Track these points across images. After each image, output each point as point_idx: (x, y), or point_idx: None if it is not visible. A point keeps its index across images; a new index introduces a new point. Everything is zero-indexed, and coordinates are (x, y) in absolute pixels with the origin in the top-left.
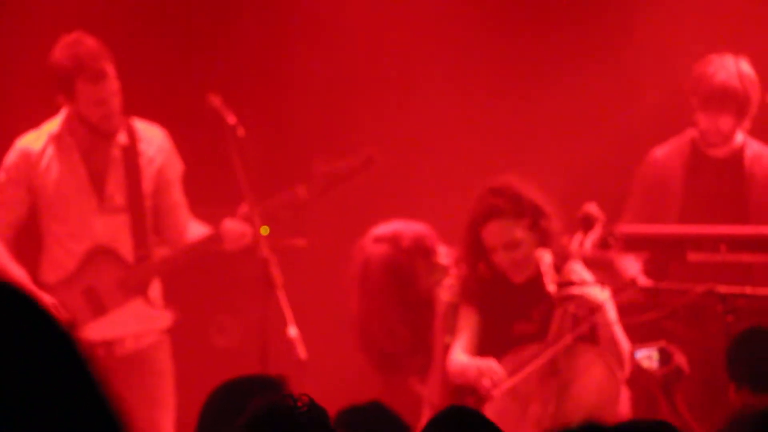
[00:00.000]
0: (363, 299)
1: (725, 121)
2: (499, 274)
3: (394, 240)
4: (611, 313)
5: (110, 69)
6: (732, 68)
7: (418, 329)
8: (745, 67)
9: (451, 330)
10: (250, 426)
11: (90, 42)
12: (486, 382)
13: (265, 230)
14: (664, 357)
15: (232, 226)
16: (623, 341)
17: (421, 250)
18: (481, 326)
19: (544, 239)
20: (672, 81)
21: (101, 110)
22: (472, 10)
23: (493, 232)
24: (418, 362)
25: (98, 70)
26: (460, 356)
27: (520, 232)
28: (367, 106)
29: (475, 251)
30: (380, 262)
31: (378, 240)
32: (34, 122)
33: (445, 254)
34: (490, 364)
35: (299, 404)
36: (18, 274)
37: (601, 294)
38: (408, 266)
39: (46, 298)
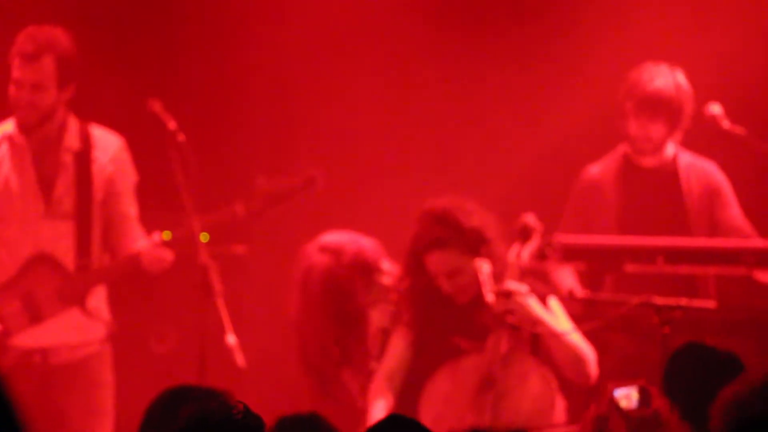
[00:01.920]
0: (301, 306)
1: (656, 129)
2: (441, 296)
3: (336, 253)
4: (562, 320)
5: (47, 61)
6: (668, 77)
7: (347, 346)
8: (681, 77)
9: (379, 356)
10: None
11: (49, 29)
12: None
13: (204, 237)
14: (644, 397)
15: (149, 250)
16: (579, 347)
17: (363, 267)
18: (410, 353)
19: (493, 259)
20: (609, 93)
21: (19, 95)
22: (410, 26)
23: (436, 262)
24: (344, 377)
25: (28, 52)
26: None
27: (462, 261)
28: (309, 118)
29: (417, 275)
30: (320, 273)
31: (322, 250)
32: None
33: (388, 272)
34: None
35: (234, 411)
36: None
37: (538, 306)
38: (346, 282)
39: None
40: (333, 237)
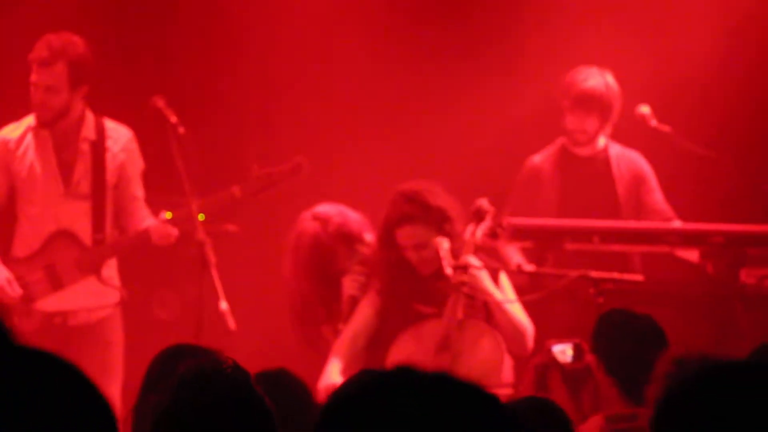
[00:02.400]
0: (291, 267)
1: (591, 122)
2: (409, 267)
3: (324, 221)
4: (508, 293)
5: (60, 66)
6: (599, 77)
7: (329, 304)
8: (610, 78)
9: (346, 320)
10: (180, 384)
11: (64, 36)
12: None
13: (201, 216)
14: (578, 352)
15: (158, 227)
16: (520, 320)
17: (345, 237)
18: (376, 320)
19: (452, 237)
20: (549, 91)
21: (35, 95)
22: (374, 29)
23: (405, 235)
24: (325, 332)
25: (43, 58)
26: (336, 380)
27: (428, 235)
28: (293, 113)
29: (388, 248)
30: (308, 238)
31: (313, 218)
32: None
33: (369, 243)
34: None
35: (224, 366)
36: None
37: (488, 280)
38: (329, 248)
39: (2, 273)
40: (324, 208)
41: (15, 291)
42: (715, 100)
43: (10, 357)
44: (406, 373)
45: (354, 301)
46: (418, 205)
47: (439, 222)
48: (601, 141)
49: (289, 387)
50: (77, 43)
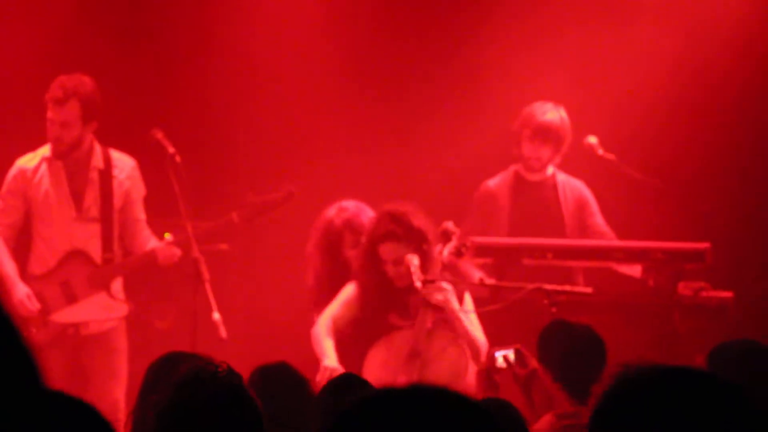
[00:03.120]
0: (309, 246)
1: (545, 151)
2: (386, 279)
3: (340, 211)
4: (468, 305)
5: (73, 104)
6: (555, 112)
7: (334, 280)
8: (563, 113)
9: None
10: (180, 385)
11: (78, 79)
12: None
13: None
14: (519, 357)
15: (164, 249)
16: (475, 337)
17: (353, 227)
18: (356, 312)
19: (425, 259)
20: (503, 125)
21: (51, 130)
22: (356, 51)
23: (387, 251)
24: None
25: (58, 97)
26: (328, 345)
27: (407, 252)
28: (276, 144)
29: (370, 260)
30: (323, 222)
31: (333, 207)
32: (32, 146)
33: None
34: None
35: (219, 369)
36: (10, 266)
37: (451, 293)
38: (337, 233)
39: (22, 289)
40: (348, 203)
41: (34, 305)
42: (651, 129)
43: (41, 402)
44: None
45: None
46: (402, 225)
47: (418, 242)
48: (550, 169)
49: (289, 379)
50: (87, 83)
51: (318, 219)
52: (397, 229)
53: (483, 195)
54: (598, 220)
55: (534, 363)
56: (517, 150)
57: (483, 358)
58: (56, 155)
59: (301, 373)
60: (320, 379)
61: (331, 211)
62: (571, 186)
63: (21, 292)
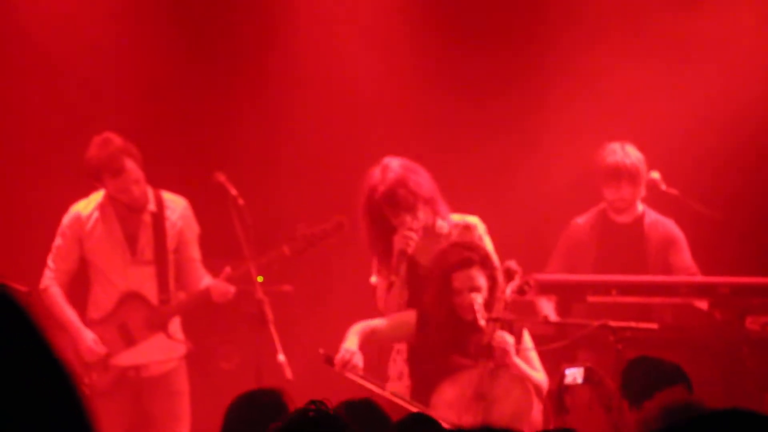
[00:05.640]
0: (359, 211)
1: (625, 192)
2: (454, 315)
3: (381, 181)
4: (526, 343)
5: (129, 163)
6: (621, 151)
7: (381, 255)
8: (630, 149)
9: (396, 271)
10: (289, 427)
11: (114, 141)
12: (340, 367)
13: (260, 278)
14: (589, 376)
15: (218, 286)
16: (531, 368)
17: (392, 204)
18: (407, 334)
19: (492, 285)
20: (578, 161)
21: (124, 195)
22: (433, 94)
23: (462, 279)
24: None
25: (117, 168)
26: (354, 329)
27: (482, 280)
28: (338, 179)
29: (443, 292)
30: (364, 194)
31: (379, 171)
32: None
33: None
34: (352, 357)
35: (330, 412)
36: (71, 313)
37: (510, 338)
38: (377, 208)
39: (89, 334)
40: (393, 164)
41: (101, 349)
42: (713, 164)
43: None
44: None
45: (403, 255)
46: (475, 251)
47: (490, 269)
48: (640, 206)
49: (375, 415)
50: (116, 139)
51: (363, 183)
52: (473, 256)
53: (571, 233)
54: (684, 257)
55: (610, 382)
56: (602, 192)
57: (544, 393)
58: (135, 209)
59: (384, 409)
60: (338, 359)
61: (371, 180)
62: (659, 225)
63: (88, 338)
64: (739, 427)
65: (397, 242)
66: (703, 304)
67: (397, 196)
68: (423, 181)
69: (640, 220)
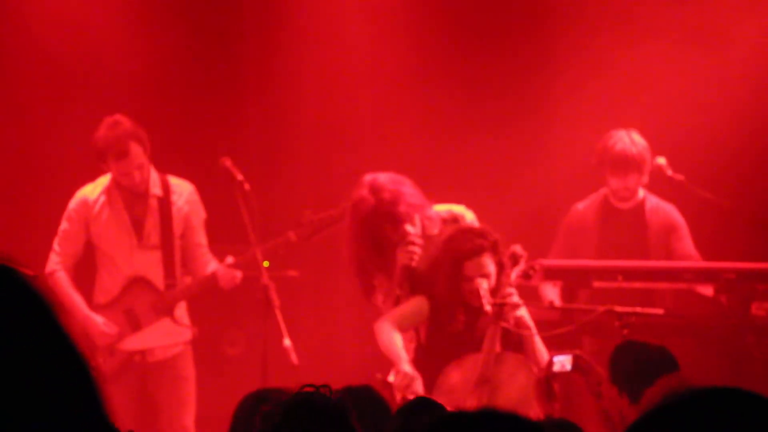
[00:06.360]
0: (348, 233)
1: (630, 180)
2: (464, 301)
3: (378, 199)
4: (531, 328)
5: (135, 148)
6: (626, 138)
7: (384, 270)
8: (635, 136)
9: (401, 285)
10: (288, 409)
11: (123, 124)
12: (402, 391)
13: (266, 263)
14: (577, 363)
15: (224, 271)
16: (542, 349)
17: (392, 218)
18: (422, 321)
19: (500, 270)
20: (582, 149)
21: (125, 179)
22: (437, 83)
23: (474, 267)
24: (381, 295)
25: (122, 150)
26: (398, 345)
27: (492, 267)
28: (344, 165)
29: (454, 279)
30: (360, 213)
31: (369, 190)
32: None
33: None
34: (413, 383)
35: (330, 395)
36: (78, 298)
37: (525, 313)
38: (378, 225)
39: (98, 318)
40: (383, 179)
41: (113, 330)
42: (720, 150)
43: None
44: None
45: (407, 270)
46: (486, 239)
47: (499, 256)
48: (641, 192)
49: (375, 400)
50: (125, 121)
51: (352, 204)
52: (484, 243)
53: (572, 218)
54: (685, 244)
55: (598, 369)
56: (604, 179)
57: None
58: (137, 193)
59: (382, 395)
60: (398, 383)
61: (365, 199)
62: (660, 210)
63: (98, 321)
64: (734, 404)
65: (401, 257)
66: (708, 290)
67: (398, 213)
68: (414, 191)
69: (641, 205)
